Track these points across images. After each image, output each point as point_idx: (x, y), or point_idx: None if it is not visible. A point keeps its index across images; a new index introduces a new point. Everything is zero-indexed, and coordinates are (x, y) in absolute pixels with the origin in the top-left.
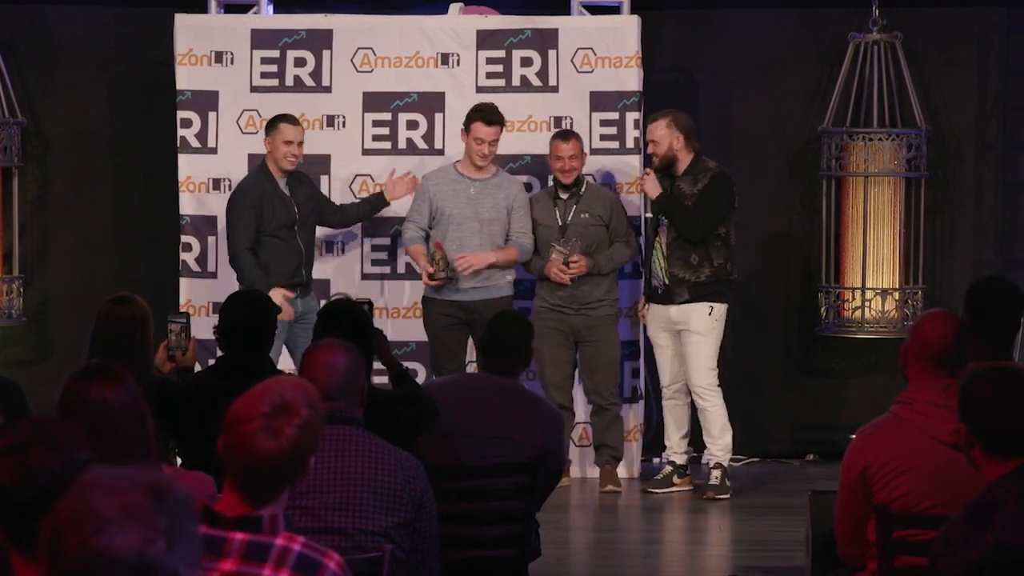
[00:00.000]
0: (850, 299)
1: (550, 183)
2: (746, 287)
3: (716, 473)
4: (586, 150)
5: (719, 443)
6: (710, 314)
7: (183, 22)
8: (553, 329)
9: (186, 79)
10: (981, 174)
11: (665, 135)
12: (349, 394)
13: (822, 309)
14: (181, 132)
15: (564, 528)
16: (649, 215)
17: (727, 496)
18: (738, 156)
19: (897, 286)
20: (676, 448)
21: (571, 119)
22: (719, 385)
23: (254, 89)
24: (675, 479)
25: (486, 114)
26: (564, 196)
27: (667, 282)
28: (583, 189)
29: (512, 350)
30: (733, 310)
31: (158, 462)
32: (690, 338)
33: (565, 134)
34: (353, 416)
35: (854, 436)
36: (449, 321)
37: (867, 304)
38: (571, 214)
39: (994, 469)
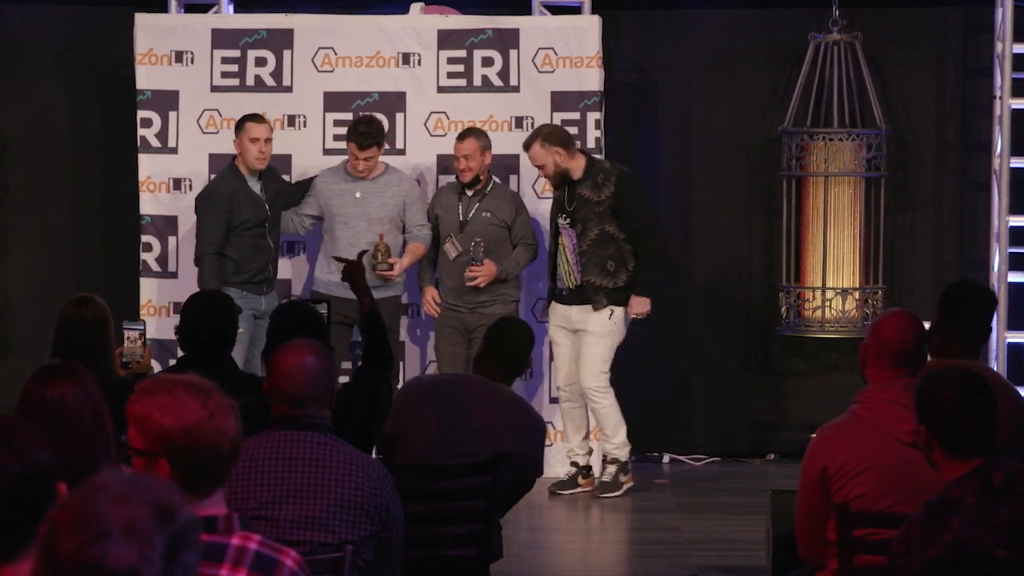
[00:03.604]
0: (810, 299)
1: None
2: (707, 286)
3: (611, 469)
4: (492, 150)
5: (614, 441)
6: (610, 317)
7: (143, 21)
8: (449, 327)
9: (146, 79)
10: (941, 174)
11: (544, 155)
12: (317, 398)
13: (782, 308)
14: (141, 132)
15: (524, 528)
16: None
17: (617, 494)
18: (698, 156)
19: (857, 286)
20: (578, 449)
21: (532, 119)
22: (610, 385)
23: (215, 89)
24: (580, 480)
25: (360, 137)
26: (469, 193)
27: (572, 286)
28: (488, 188)
29: (510, 356)
30: (694, 309)
31: (118, 463)
32: (586, 338)
33: (463, 134)
34: (320, 422)
35: (814, 436)
36: (337, 318)
37: (827, 304)
38: (472, 211)
39: (954, 470)
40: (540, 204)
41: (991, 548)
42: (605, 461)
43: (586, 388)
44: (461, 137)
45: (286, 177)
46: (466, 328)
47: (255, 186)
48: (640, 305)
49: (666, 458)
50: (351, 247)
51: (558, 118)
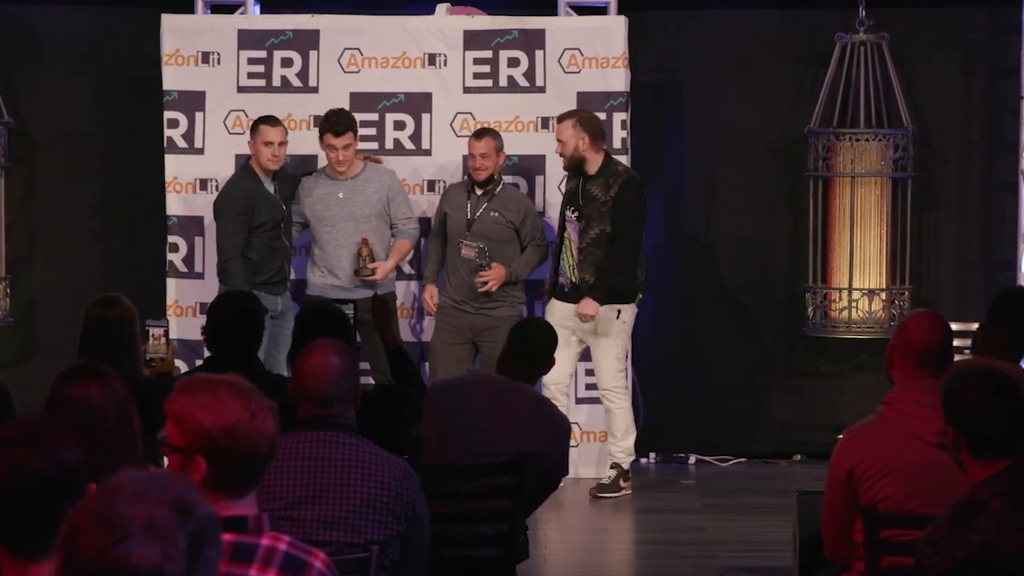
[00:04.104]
0: (837, 299)
1: (509, 180)
2: (732, 287)
3: (611, 473)
4: (505, 150)
5: (621, 444)
6: (618, 317)
7: (169, 22)
8: (451, 327)
9: (173, 79)
10: (967, 175)
11: (571, 135)
12: (343, 398)
13: (809, 309)
14: (168, 132)
15: (550, 529)
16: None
17: (614, 495)
18: (724, 156)
19: (884, 286)
20: None
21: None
22: (626, 387)
23: (241, 89)
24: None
25: (333, 124)
26: (479, 192)
27: (574, 282)
28: (498, 189)
29: (533, 355)
30: (720, 310)
31: (144, 463)
32: (598, 341)
33: (479, 132)
34: (346, 422)
35: (841, 437)
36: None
37: (854, 304)
38: (481, 210)
39: (981, 471)
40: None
41: (1018, 549)
42: (607, 466)
43: (603, 389)
44: (478, 135)
45: None
46: (473, 329)
47: (270, 187)
48: (588, 307)
49: (692, 459)
50: (339, 248)
51: None
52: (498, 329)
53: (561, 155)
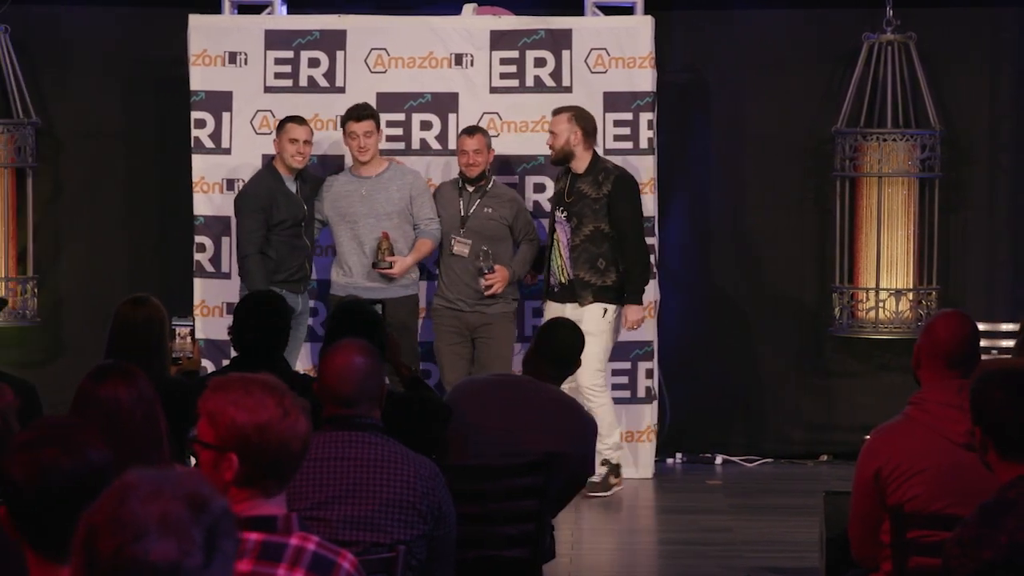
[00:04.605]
0: (864, 299)
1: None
2: (759, 287)
3: (602, 470)
4: (493, 147)
5: (607, 441)
6: (603, 315)
7: (197, 23)
8: (450, 328)
9: (200, 79)
10: (994, 175)
11: (565, 128)
12: (368, 397)
13: (836, 309)
14: (195, 132)
15: (576, 529)
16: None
17: (606, 494)
18: (751, 157)
19: (911, 287)
20: None
21: None
22: (607, 385)
23: (268, 90)
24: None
25: (355, 110)
26: (470, 189)
27: (565, 281)
28: (489, 185)
29: (559, 356)
30: (747, 309)
31: (171, 462)
32: None
33: (471, 129)
34: (371, 421)
35: (868, 437)
36: None
37: (881, 304)
38: (474, 207)
39: (1008, 471)
40: None
41: None
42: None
43: (583, 387)
44: (470, 132)
45: None
46: (469, 327)
47: (292, 186)
48: (635, 313)
49: (719, 459)
50: (361, 245)
51: (611, 118)
52: (493, 326)
53: (551, 147)
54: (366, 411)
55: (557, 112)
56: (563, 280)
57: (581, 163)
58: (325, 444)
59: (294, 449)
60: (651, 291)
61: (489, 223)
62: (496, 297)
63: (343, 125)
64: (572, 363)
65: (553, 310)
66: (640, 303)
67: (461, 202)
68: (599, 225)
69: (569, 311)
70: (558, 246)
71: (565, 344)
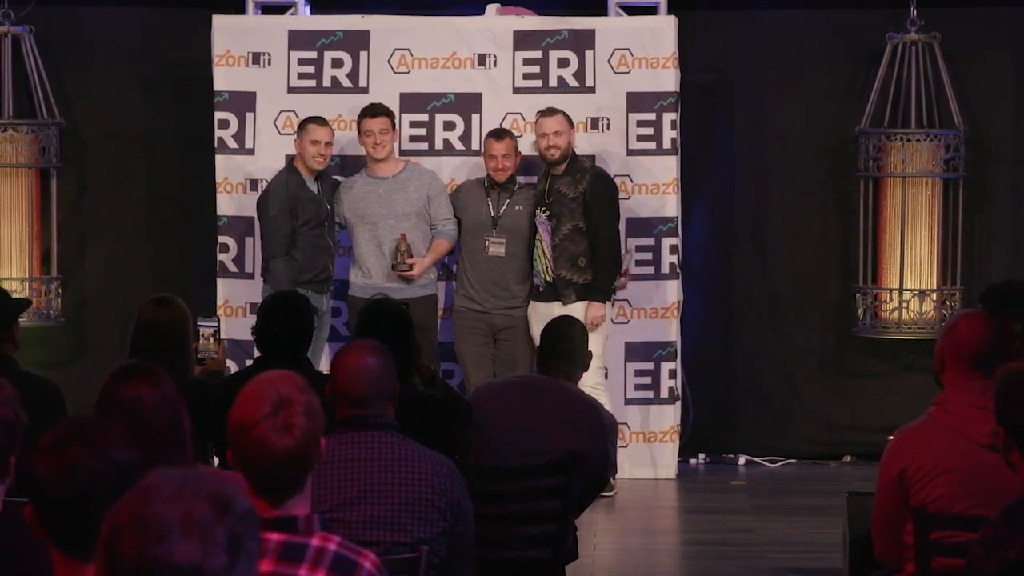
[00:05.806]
0: (888, 300)
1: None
2: (782, 287)
3: None
4: (521, 149)
5: None
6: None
7: (220, 23)
8: (473, 330)
9: (223, 80)
10: (1019, 175)
11: (567, 129)
12: (382, 397)
13: (859, 310)
14: (218, 133)
15: (599, 530)
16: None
17: (609, 494)
18: (774, 156)
19: (935, 287)
20: None
21: (608, 120)
22: (606, 383)
23: (291, 90)
24: None
25: (369, 108)
26: (498, 188)
27: (548, 280)
28: (516, 187)
29: (569, 353)
30: (770, 310)
31: (195, 463)
32: None
33: (499, 133)
34: (385, 420)
35: (891, 438)
36: None
37: (905, 305)
38: (504, 205)
39: None
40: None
41: None
42: None
43: (584, 385)
44: (498, 136)
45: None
46: (493, 329)
47: (313, 186)
48: (596, 311)
49: (741, 460)
50: (380, 247)
51: (634, 119)
52: (517, 328)
53: (557, 148)
54: (380, 410)
55: (550, 113)
56: (547, 278)
57: (561, 165)
58: (341, 446)
59: (257, 464)
60: (674, 291)
61: (520, 220)
62: (520, 299)
63: (358, 123)
64: (577, 355)
65: (538, 310)
66: (603, 301)
67: (490, 202)
68: (577, 223)
69: (556, 311)
70: (541, 245)
71: (578, 344)
